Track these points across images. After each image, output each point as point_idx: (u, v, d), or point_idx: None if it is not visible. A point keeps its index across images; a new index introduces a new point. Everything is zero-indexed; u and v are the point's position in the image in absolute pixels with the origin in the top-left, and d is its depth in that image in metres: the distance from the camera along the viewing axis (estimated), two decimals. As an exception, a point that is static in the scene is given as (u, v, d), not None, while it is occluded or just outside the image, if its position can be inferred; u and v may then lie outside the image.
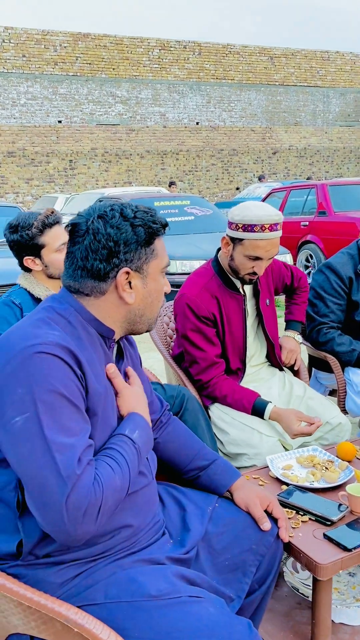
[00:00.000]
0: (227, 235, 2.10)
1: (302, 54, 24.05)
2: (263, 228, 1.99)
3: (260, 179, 14.74)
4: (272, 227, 2.00)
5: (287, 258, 6.84)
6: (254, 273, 2.09)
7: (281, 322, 2.61)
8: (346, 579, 1.73)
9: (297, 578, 1.70)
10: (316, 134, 22.51)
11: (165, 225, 1.28)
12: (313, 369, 2.85)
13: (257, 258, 2.04)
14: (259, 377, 2.35)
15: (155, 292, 1.27)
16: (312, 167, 22.23)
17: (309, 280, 2.64)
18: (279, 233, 2.05)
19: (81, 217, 1.22)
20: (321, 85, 24.69)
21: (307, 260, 7.97)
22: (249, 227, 2.00)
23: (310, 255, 7.86)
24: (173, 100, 21.18)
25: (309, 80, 24.37)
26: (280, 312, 2.71)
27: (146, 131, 19.20)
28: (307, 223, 7.88)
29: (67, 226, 1.24)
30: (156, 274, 1.26)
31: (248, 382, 2.28)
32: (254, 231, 1.99)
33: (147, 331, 1.32)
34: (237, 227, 2.03)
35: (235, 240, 2.06)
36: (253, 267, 2.07)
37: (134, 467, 1.14)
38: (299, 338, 2.54)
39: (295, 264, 7.82)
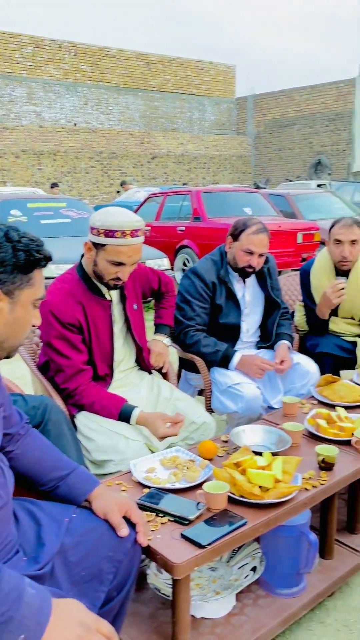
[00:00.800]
0: (89, 240, 2.08)
1: (178, 62, 24.68)
2: (124, 234, 2.00)
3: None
4: (134, 233, 2.03)
5: (164, 262, 6.96)
6: (118, 278, 2.10)
7: (150, 326, 2.65)
8: (207, 573, 1.79)
9: (161, 579, 1.73)
10: (193, 140, 23.21)
11: (49, 258, 1.27)
12: (183, 370, 2.92)
13: (120, 264, 2.05)
14: (127, 381, 2.37)
15: (22, 322, 1.27)
16: (189, 173, 22.88)
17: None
18: (141, 239, 2.08)
19: None
20: (197, 94, 25.52)
21: (184, 264, 8.17)
22: (110, 233, 2.00)
23: (187, 260, 8.07)
24: (49, 100, 20.71)
25: (185, 88, 25.07)
26: (150, 316, 2.75)
27: (21, 130, 18.55)
28: (184, 228, 8.09)
29: None
30: (27, 303, 1.26)
31: (117, 387, 2.29)
32: (116, 237, 2.00)
33: (6, 357, 1.30)
34: (99, 233, 2.02)
35: (97, 246, 2.06)
36: (117, 272, 2.08)
37: None
38: (168, 341, 2.59)
39: (172, 268, 7.98)
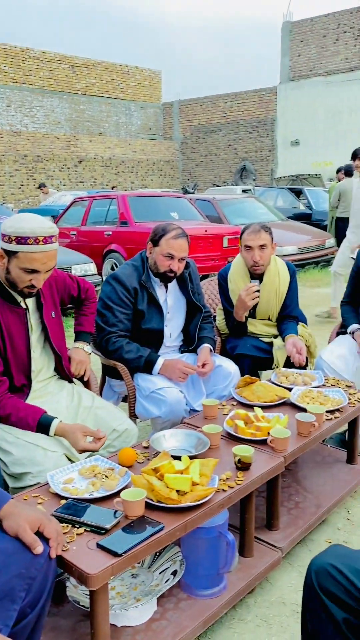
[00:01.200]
0: (0, 248, 2.03)
1: (103, 66, 24.56)
2: (37, 241, 1.97)
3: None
4: (47, 240, 1.99)
5: (91, 267, 6.90)
6: (33, 286, 2.05)
7: (70, 334, 2.61)
8: (129, 581, 1.79)
9: (80, 591, 1.71)
10: (120, 144, 23.15)
11: None
12: (107, 377, 2.90)
13: (33, 271, 2.01)
14: (46, 391, 2.32)
15: None
16: (118, 177, 22.79)
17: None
18: (55, 245, 2.04)
19: None
20: (123, 98, 25.47)
21: (112, 269, 8.12)
22: (22, 240, 1.96)
23: (115, 264, 8.03)
24: (-31, 101, 20.02)
25: (111, 92, 24.97)
26: (70, 323, 2.71)
27: None
28: (111, 232, 8.04)
29: None
30: None
31: (35, 397, 2.24)
32: (28, 244, 1.96)
33: None
34: (11, 240, 1.97)
35: (10, 253, 2.01)
36: (30, 280, 2.03)
37: None
38: (89, 349, 2.56)
39: (101, 273, 7.92)
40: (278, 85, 22.60)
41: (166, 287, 2.75)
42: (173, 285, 2.79)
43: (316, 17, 20.87)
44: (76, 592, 1.69)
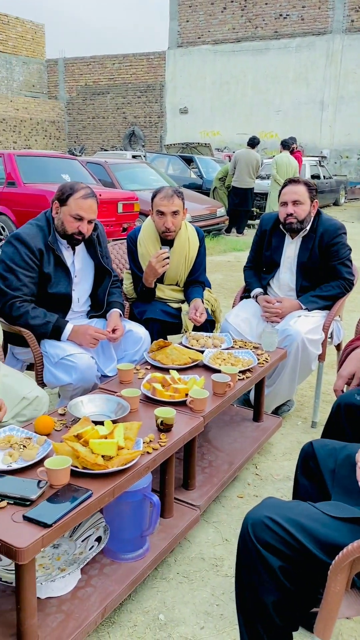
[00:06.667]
0: None
1: (-20, 13, 22.63)
2: None
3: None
4: None
5: (-23, 230, 6.44)
6: None
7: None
8: (51, 552, 1.73)
9: (0, 566, 1.62)
10: (1, 101, 21.64)
11: None
12: (9, 344, 2.73)
13: None
14: None
15: None
16: (-1, 136, 21.38)
17: (-3, 253, 2.50)
18: None
19: None
20: (2, 51, 23.75)
21: (-1, 232, 7.66)
22: None
23: (2, 227, 7.58)
24: None
25: (-10, 43, 23.17)
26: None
27: None
28: (-4, 193, 7.54)
29: None
30: None
31: None
32: None
33: None
34: None
35: None
36: None
37: None
38: (-10, 314, 2.39)
39: (-14, 236, 7.44)
40: (167, 50, 22.34)
41: (73, 249, 2.63)
42: (81, 247, 2.67)
43: (204, -17, 20.78)
44: (-4, 568, 1.60)
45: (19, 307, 2.45)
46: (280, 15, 19.88)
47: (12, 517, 1.38)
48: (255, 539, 1.26)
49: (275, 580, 1.24)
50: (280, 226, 3.07)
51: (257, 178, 10.29)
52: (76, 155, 14.04)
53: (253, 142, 9.86)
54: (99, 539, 1.72)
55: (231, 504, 2.33)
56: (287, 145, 9.72)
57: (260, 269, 3.26)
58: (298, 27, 19.68)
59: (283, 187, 3.01)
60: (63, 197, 2.49)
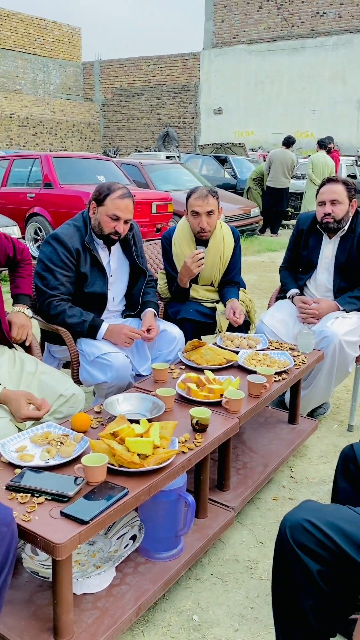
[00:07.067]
0: None
1: (19, 17, 23.09)
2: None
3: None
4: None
5: (15, 230, 6.57)
6: None
7: (8, 298, 2.46)
8: (86, 548, 1.74)
9: (37, 561, 1.64)
10: (38, 103, 22.03)
11: None
12: (46, 342, 2.77)
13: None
14: (-14, 357, 2.18)
15: None
16: (36, 138, 21.76)
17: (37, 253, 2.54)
18: None
19: None
20: (40, 54, 24.16)
21: (35, 233, 7.79)
22: None
23: (39, 228, 7.70)
24: None
25: (28, 47, 23.59)
26: (7, 287, 2.55)
27: None
28: (34, 195, 7.67)
29: None
30: None
31: (-27, 364, 2.09)
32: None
33: None
34: None
35: None
36: None
37: None
38: (29, 312, 2.42)
39: (23, 236, 7.57)
40: (202, 51, 22.33)
41: (109, 249, 2.65)
42: (116, 247, 2.69)
43: (240, -17, 20.70)
44: (32, 562, 1.62)
45: (56, 306, 2.48)
46: (317, 13, 19.64)
47: (49, 512, 1.40)
48: (293, 541, 1.24)
49: (313, 584, 1.22)
50: (318, 226, 3.02)
51: (292, 178, 10.19)
52: (111, 157, 14.17)
53: (288, 142, 9.78)
54: (133, 538, 1.73)
55: (266, 506, 2.31)
56: (323, 144, 9.60)
57: (296, 269, 3.22)
58: (335, 24, 19.41)
59: (321, 187, 2.97)
60: (100, 197, 2.51)
